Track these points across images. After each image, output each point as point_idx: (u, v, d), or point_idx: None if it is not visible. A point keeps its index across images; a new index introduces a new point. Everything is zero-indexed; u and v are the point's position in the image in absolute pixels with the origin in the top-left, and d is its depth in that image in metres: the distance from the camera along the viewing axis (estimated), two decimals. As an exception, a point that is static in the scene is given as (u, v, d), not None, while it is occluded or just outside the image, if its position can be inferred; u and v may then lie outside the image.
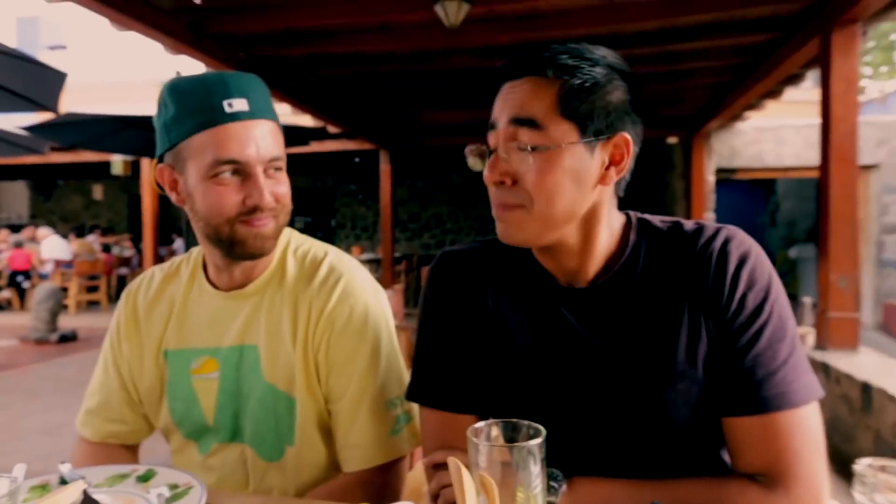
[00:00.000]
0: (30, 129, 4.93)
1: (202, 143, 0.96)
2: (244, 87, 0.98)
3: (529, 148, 0.79)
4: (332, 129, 7.30)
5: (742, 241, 0.84)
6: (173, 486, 0.82)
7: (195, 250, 1.16)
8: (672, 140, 8.22)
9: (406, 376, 1.09)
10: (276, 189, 1.00)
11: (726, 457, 0.88)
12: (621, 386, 0.84)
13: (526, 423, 0.64)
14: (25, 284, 10.03)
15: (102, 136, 5.23)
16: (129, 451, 1.17)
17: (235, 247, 1.01)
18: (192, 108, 0.97)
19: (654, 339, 0.83)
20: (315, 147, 8.19)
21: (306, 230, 1.23)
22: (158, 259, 7.05)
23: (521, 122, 0.80)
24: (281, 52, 4.65)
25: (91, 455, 1.13)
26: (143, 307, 1.14)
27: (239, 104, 0.96)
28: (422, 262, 10.64)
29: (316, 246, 1.15)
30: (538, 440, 0.61)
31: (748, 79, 5.25)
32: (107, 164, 9.14)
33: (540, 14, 4.00)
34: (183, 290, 1.13)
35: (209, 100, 0.96)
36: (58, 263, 9.89)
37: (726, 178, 8.14)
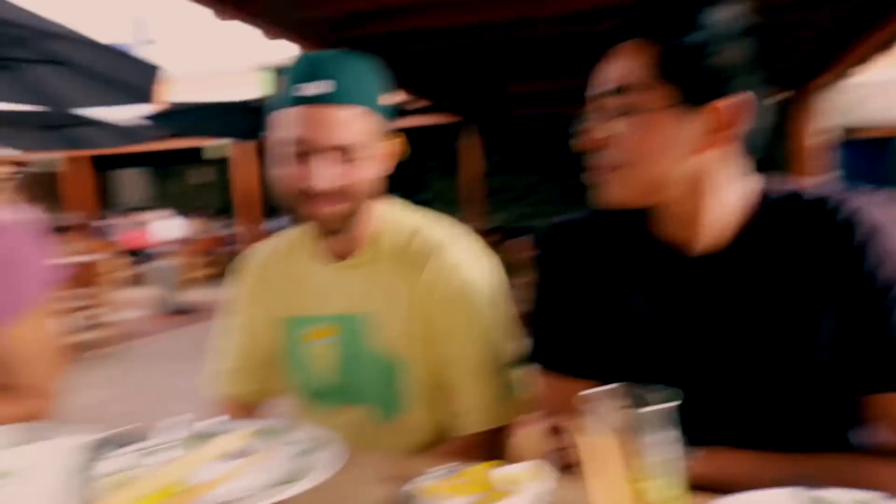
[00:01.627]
0: (150, 118, 5.36)
1: (276, 120, 1.02)
2: (326, 69, 0.99)
3: (626, 112, 0.78)
4: (416, 105, 7.35)
5: (872, 210, 0.79)
6: (312, 441, 0.86)
7: None
8: (777, 98, 7.59)
9: (515, 343, 1.12)
10: (344, 176, 1.01)
11: (854, 437, 0.83)
12: (742, 359, 0.82)
13: (655, 387, 0.60)
14: (147, 262, 11.01)
15: (208, 121, 5.59)
16: (258, 411, 1.26)
17: (308, 219, 1.06)
18: (281, 85, 1.03)
19: (776, 312, 0.80)
20: (399, 123, 8.28)
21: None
22: (265, 234, 7.48)
23: (619, 88, 0.78)
24: (365, 31, 4.73)
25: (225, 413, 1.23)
26: (263, 276, 1.22)
27: (310, 88, 0.97)
28: (510, 234, 10.53)
29: (423, 216, 1.18)
30: (669, 404, 0.58)
31: (864, 29, 4.72)
32: (211, 149, 9.73)
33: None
34: (299, 259, 1.19)
35: (287, 80, 1.01)
36: (174, 242, 10.79)
37: (843, 138, 7.43)
